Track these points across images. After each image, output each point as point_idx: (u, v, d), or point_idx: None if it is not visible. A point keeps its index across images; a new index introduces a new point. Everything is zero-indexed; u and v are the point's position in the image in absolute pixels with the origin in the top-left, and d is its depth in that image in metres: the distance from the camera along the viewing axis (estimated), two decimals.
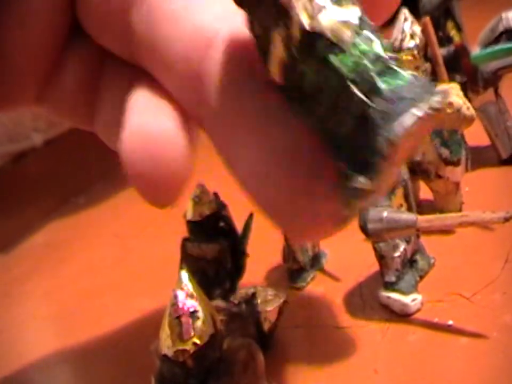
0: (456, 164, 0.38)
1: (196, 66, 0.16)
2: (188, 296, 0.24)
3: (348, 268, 0.38)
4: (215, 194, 0.34)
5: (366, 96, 0.12)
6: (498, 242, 0.35)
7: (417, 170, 0.39)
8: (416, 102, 0.12)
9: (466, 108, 0.29)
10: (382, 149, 0.12)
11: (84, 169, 0.65)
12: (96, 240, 0.55)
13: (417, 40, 0.38)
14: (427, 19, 0.39)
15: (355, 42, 0.13)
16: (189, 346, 0.24)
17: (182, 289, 0.25)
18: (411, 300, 0.32)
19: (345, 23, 0.13)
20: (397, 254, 0.33)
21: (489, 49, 0.42)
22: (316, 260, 0.39)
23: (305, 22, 0.13)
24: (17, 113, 0.62)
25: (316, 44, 0.13)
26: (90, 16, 0.18)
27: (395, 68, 0.13)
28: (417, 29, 0.38)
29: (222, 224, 0.34)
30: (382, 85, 0.13)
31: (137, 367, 0.34)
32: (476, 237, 0.36)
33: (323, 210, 0.14)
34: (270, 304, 0.33)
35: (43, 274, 0.52)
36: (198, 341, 0.24)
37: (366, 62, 0.13)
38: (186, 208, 0.34)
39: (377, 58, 0.13)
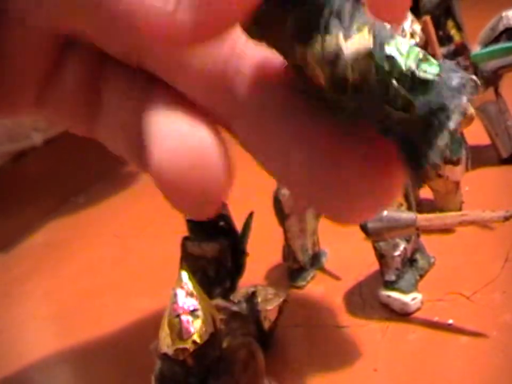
0: (456, 163, 0.38)
1: (221, 65, 0.16)
2: (187, 295, 0.24)
3: (348, 267, 0.38)
4: None
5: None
6: (498, 242, 0.35)
7: None
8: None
9: None
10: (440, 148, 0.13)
11: (83, 169, 0.65)
12: (96, 240, 0.55)
13: (417, 39, 0.38)
14: (427, 18, 0.39)
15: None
16: (188, 345, 0.24)
17: (182, 288, 0.25)
18: (411, 299, 0.32)
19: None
20: (397, 253, 0.33)
21: (489, 48, 0.42)
22: (316, 259, 0.39)
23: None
24: None
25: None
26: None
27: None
28: (418, 27, 0.38)
29: (222, 223, 0.34)
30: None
31: (137, 367, 0.34)
32: (476, 236, 0.36)
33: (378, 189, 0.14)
34: (270, 303, 0.33)
35: (43, 274, 0.52)
36: (198, 340, 0.24)
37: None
38: None
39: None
